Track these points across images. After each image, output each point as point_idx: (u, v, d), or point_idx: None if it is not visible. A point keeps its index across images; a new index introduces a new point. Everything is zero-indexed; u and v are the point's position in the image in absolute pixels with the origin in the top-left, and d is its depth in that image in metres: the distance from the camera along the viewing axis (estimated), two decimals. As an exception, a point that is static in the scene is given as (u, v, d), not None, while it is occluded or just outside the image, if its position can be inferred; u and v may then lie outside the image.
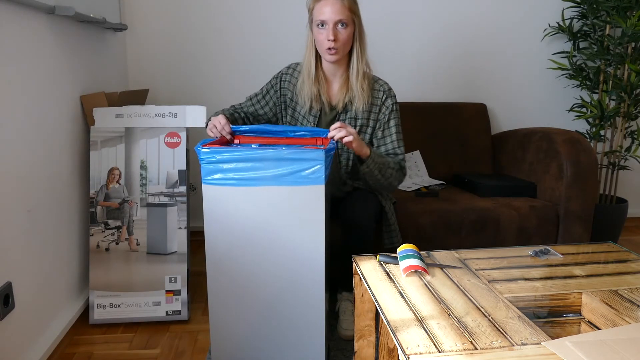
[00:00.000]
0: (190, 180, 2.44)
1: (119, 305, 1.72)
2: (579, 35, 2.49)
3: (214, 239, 1.29)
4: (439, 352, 0.79)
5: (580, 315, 1.02)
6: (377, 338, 1.33)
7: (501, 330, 0.86)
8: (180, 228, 1.75)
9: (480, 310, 0.94)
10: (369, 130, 1.63)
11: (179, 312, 1.74)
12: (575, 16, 2.51)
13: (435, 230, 1.86)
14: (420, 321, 0.89)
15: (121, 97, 1.93)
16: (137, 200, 1.76)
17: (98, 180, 1.75)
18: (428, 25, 2.54)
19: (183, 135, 1.78)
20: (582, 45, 2.55)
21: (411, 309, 0.94)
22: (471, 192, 2.16)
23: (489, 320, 0.90)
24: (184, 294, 1.73)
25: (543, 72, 2.65)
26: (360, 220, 1.52)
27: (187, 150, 1.80)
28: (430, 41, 2.56)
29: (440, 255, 1.24)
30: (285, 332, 1.33)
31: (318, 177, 1.24)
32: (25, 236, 1.42)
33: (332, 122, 1.63)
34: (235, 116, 1.66)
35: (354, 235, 1.54)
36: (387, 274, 1.12)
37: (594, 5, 2.35)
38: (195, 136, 2.41)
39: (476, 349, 0.80)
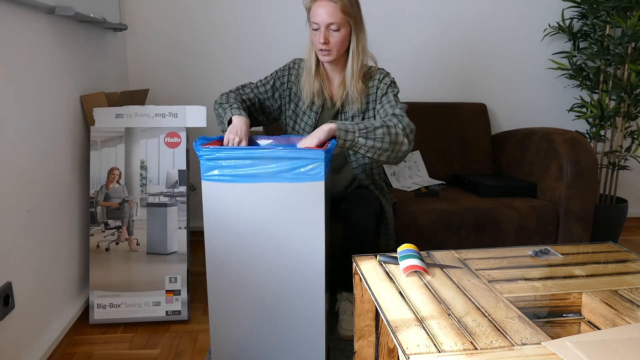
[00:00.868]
0: (190, 180, 2.45)
1: (119, 305, 1.72)
2: (579, 35, 2.49)
3: (213, 237, 1.29)
4: (439, 352, 0.79)
5: (580, 315, 1.02)
6: (377, 338, 1.33)
7: (501, 330, 0.86)
8: (180, 228, 1.75)
9: (480, 310, 0.94)
10: (372, 114, 1.63)
11: (179, 312, 1.74)
12: (575, 16, 2.51)
13: (435, 230, 1.86)
14: (420, 321, 0.89)
15: (121, 97, 1.93)
16: (137, 200, 1.76)
17: (98, 180, 1.75)
18: (428, 25, 2.54)
19: (183, 135, 1.78)
20: (582, 45, 2.55)
21: (411, 309, 0.94)
22: (471, 192, 2.16)
23: (489, 320, 0.90)
24: (184, 294, 1.73)
25: (543, 72, 2.65)
26: (361, 220, 1.52)
27: (187, 150, 1.80)
28: (430, 41, 2.56)
29: (440, 255, 1.24)
30: (285, 332, 1.33)
31: (318, 173, 1.24)
32: (25, 236, 1.42)
33: (334, 117, 1.65)
34: (243, 106, 1.58)
35: (354, 235, 1.54)
36: (387, 274, 1.12)
37: (594, 5, 2.35)
38: (195, 136, 2.41)
39: (476, 349, 0.80)
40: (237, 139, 1.40)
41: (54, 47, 1.63)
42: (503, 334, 0.84)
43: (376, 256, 1.21)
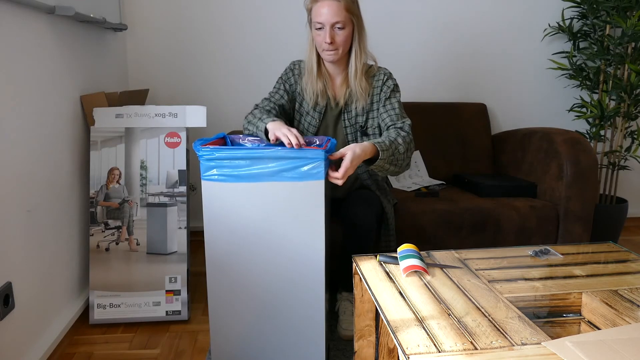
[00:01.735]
0: (190, 180, 2.45)
1: (119, 305, 1.72)
2: (579, 35, 2.49)
3: (213, 237, 1.29)
4: (439, 352, 0.79)
5: (580, 315, 1.02)
6: (377, 338, 1.33)
7: (501, 330, 0.86)
8: (180, 228, 1.75)
9: (480, 310, 0.94)
10: (375, 114, 1.64)
11: (179, 312, 1.74)
12: (575, 16, 2.51)
13: (435, 230, 1.86)
14: (420, 321, 0.89)
15: (121, 97, 1.93)
16: (137, 200, 1.76)
17: (98, 180, 1.75)
18: (428, 25, 2.54)
19: (183, 135, 1.78)
20: (582, 45, 2.55)
21: (411, 309, 0.94)
22: (471, 192, 2.16)
23: (489, 320, 0.90)
24: (184, 294, 1.73)
25: (543, 72, 2.65)
26: (361, 220, 1.52)
27: (187, 150, 1.80)
28: (430, 41, 2.56)
29: (440, 255, 1.24)
30: (285, 332, 1.33)
31: (318, 172, 1.24)
32: (25, 236, 1.42)
33: (337, 117, 1.65)
34: (273, 113, 1.55)
35: (355, 235, 1.54)
36: (387, 274, 1.12)
37: (594, 5, 2.35)
38: (195, 136, 2.41)
39: (476, 349, 0.80)
40: (290, 136, 1.28)
41: (54, 47, 1.63)
42: (503, 334, 0.84)
43: (376, 256, 1.21)
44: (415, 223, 1.85)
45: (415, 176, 2.34)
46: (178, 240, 1.75)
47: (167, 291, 1.73)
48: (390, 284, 1.06)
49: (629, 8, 2.28)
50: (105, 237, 1.74)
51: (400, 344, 0.81)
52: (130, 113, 1.77)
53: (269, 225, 1.28)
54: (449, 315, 0.92)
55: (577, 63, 2.53)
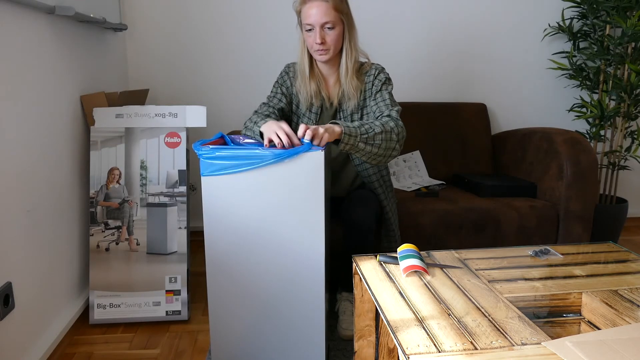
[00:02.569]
0: (190, 180, 2.45)
1: (119, 305, 1.72)
2: (579, 35, 2.49)
3: (213, 233, 1.29)
4: (439, 352, 0.79)
5: (580, 315, 1.02)
6: (377, 338, 1.33)
7: (501, 330, 0.86)
8: (180, 228, 1.75)
9: (480, 310, 0.94)
10: (369, 109, 1.63)
11: (179, 312, 1.74)
12: (575, 16, 2.51)
13: (435, 230, 1.86)
14: (420, 321, 0.89)
15: (121, 97, 1.93)
16: (137, 200, 1.76)
17: (98, 180, 1.75)
18: (428, 25, 2.54)
19: (183, 135, 1.78)
20: (582, 45, 2.55)
21: (411, 309, 0.94)
22: (471, 192, 2.16)
23: (489, 320, 0.90)
24: (184, 294, 1.73)
25: (543, 72, 2.65)
26: (361, 220, 1.52)
27: (187, 150, 1.80)
28: (430, 41, 2.56)
29: (440, 255, 1.24)
30: (285, 332, 1.33)
31: (316, 149, 1.24)
32: (25, 236, 1.42)
33: (333, 117, 1.65)
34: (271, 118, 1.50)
35: (355, 235, 1.54)
36: (387, 274, 1.12)
37: (594, 5, 2.35)
38: (195, 136, 2.41)
39: (476, 349, 0.80)
40: (280, 133, 1.28)
41: (54, 47, 1.63)
42: (503, 334, 0.84)
43: (376, 256, 1.21)
44: (415, 223, 1.85)
45: (415, 176, 2.34)
46: (178, 240, 1.75)
47: (167, 291, 1.73)
48: (390, 284, 1.06)
49: (629, 8, 2.28)
50: (105, 237, 1.74)
51: (400, 344, 0.81)
52: (130, 113, 1.77)
53: (269, 225, 1.27)
54: (449, 315, 0.92)
55: (577, 63, 2.53)
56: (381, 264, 1.17)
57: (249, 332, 1.34)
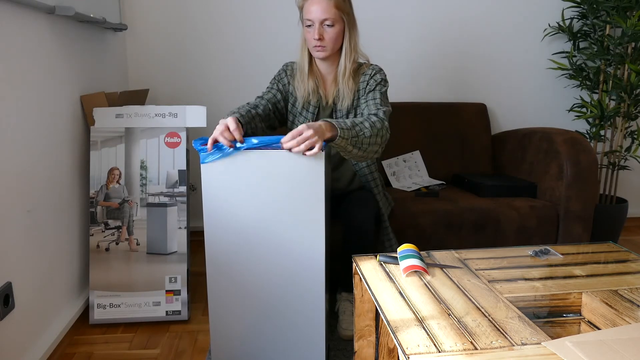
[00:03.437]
0: (190, 180, 2.45)
1: (119, 305, 1.72)
2: (579, 35, 2.49)
3: (213, 236, 1.29)
4: (439, 352, 0.79)
5: (580, 315, 1.02)
6: (377, 338, 1.33)
7: (501, 330, 0.86)
8: (180, 228, 1.75)
9: (480, 310, 0.94)
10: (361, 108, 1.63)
11: (179, 312, 1.74)
12: (575, 16, 2.51)
13: (435, 230, 1.86)
14: (420, 321, 0.89)
15: (121, 97, 1.93)
16: (137, 200, 1.76)
17: (98, 180, 1.75)
18: (428, 25, 2.54)
19: (183, 135, 1.78)
20: (582, 45, 2.55)
21: (411, 309, 0.94)
22: (471, 192, 2.16)
23: (489, 320, 0.90)
24: (184, 294, 1.73)
25: (543, 72, 2.65)
26: (360, 221, 1.52)
27: (187, 150, 1.80)
28: (430, 41, 2.56)
29: (440, 255, 1.24)
30: (285, 332, 1.33)
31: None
32: (25, 236, 1.42)
33: (329, 116, 1.65)
34: (252, 113, 1.50)
35: (354, 236, 1.54)
36: (387, 274, 1.12)
37: (594, 5, 2.35)
38: (195, 136, 2.41)
39: (476, 349, 0.80)
40: (227, 135, 1.28)
41: (54, 47, 1.63)
42: (503, 334, 0.84)
43: (376, 256, 1.21)
44: (415, 223, 1.85)
45: (415, 176, 2.34)
46: (178, 240, 1.75)
47: (167, 291, 1.73)
48: (390, 284, 1.06)
49: (629, 8, 2.27)
50: (105, 237, 1.74)
51: (400, 344, 0.81)
52: (130, 113, 1.77)
53: (269, 224, 1.27)
54: (449, 315, 0.92)
55: (577, 63, 2.53)
56: (381, 264, 1.17)
57: (249, 332, 1.34)
